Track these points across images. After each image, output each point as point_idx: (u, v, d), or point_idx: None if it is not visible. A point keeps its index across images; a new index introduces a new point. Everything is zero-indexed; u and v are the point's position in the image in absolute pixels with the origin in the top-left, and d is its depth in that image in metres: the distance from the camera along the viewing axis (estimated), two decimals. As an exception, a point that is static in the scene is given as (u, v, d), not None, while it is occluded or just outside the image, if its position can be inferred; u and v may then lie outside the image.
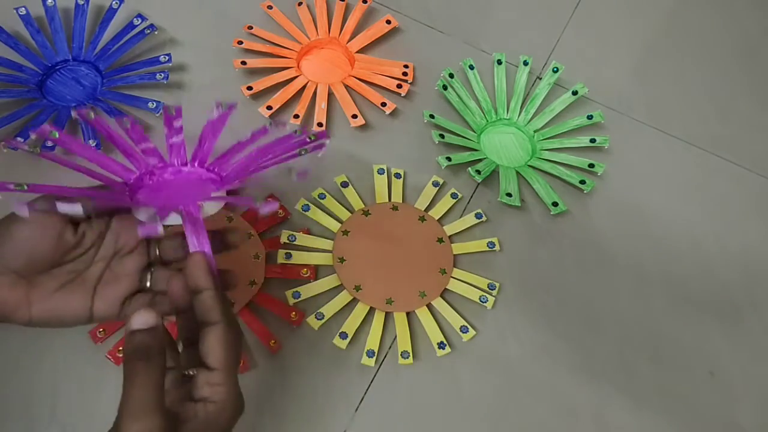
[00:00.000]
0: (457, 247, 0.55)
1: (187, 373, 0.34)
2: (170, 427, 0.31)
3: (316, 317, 0.50)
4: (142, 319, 0.33)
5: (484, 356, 0.51)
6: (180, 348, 0.38)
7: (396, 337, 0.50)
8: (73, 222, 0.38)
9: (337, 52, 0.67)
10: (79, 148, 0.41)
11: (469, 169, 0.58)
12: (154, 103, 0.58)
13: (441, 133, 0.60)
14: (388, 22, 0.68)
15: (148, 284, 0.40)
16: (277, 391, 0.47)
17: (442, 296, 0.52)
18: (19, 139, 0.54)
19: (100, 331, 0.47)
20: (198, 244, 0.37)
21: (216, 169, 0.43)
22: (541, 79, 0.67)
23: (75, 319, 0.38)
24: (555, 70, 0.66)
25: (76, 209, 0.35)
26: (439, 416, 0.48)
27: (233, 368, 0.34)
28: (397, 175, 0.59)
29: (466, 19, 0.72)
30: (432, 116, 0.61)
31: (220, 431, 0.33)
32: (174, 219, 0.37)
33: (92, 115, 0.42)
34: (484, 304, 0.52)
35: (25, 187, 0.36)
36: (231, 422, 0.34)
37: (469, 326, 0.51)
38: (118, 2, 0.63)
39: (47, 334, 0.48)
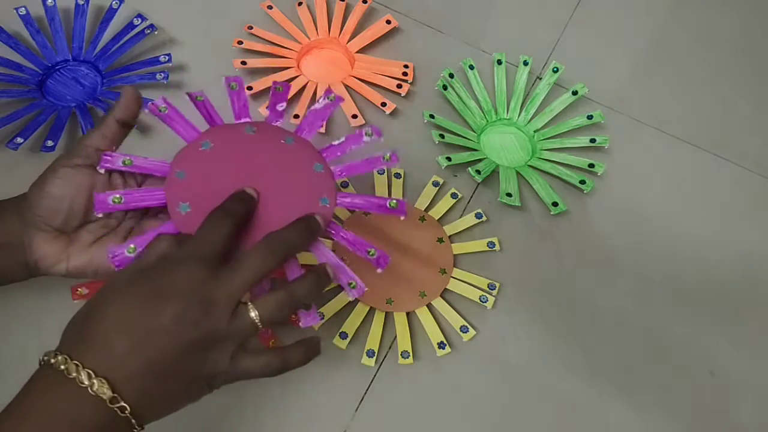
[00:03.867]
0: (457, 247, 0.55)
1: None
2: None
3: (316, 317, 0.50)
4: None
5: (484, 356, 0.51)
6: None
7: (396, 337, 0.50)
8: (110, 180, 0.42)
9: (337, 52, 0.67)
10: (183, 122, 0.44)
11: (469, 169, 0.58)
12: (154, 103, 0.58)
13: (441, 133, 0.60)
14: (388, 22, 0.68)
15: None
16: (278, 391, 0.47)
17: (442, 296, 0.52)
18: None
19: (100, 331, 0.47)
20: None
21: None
22: (541, 79, 0.67)
23: (107, 270, 0.41)
24: (555, 70, 0.66)
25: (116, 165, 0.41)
26: (439, 416, 0.48)
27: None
28: (397, 175, 0.59)
29: (466, 19, 0.72)
30: (432, 116, 0.61)
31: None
32: None
33: (164, 108, 0.44)
34: (484, 304, 0.52)
35: (131, 162, 0.41)
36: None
37: (469, 326, 0.51)
38: (118, 2, 0.63)
39: (48, 335, 0.48)
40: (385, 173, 0.58)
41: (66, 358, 0.32)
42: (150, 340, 0.33)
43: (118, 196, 0.40)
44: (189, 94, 0.45)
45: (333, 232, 0.43)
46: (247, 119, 0.45)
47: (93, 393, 0.31)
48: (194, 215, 0.40)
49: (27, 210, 0.40)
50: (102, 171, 0.41)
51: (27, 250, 0.40)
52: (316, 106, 0.47)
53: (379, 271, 0.43)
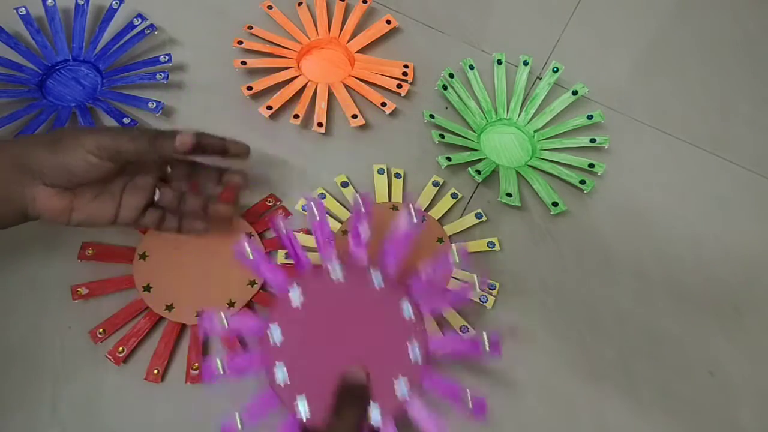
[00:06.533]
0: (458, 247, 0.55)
1: None
2: None
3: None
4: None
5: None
6: None
7: (396, 337, 0.50)
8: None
9: (337, 52, 0.67)
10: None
11: (469, 169, 0.58)
12: (154, 103, 0.58)
13: (441, 133, 0.60)
14: (388, 22, 0.68)
15: (156, 198, 0.48)
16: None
17: (442, 296, 0.52)
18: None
19: (100, 332, 0.47)
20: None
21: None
22: (541, 79, 0.67)
23: (105, 222, 0.46)
24: (555, 70, 0.66)
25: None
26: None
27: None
28: (397, 175, 0.59)
29: (466, 19, 0.72)
30: (432, 116, 0.62)
31: None
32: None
33: (251, 254, 0.43)
34: (484, 304, 0.52)
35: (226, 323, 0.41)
36: None
37: (469, 326, 0.51)
38: (118, 2, 0.63)
39: (48, 334, 0.48)
40: (385, 173, 0.58)
41: None
42: None
43: (220, 367, 0.41)
44: (273, 224, 0.44)
45: (426, 382, 0.41)
46: (332, 255, 0.43)
47: None
48: (293, 385, 0.40)
49: (34, 164, 0.42)
50: (201, 336, 0.45)
51: (30, 203, 0.42)
52: (397, 231, 0.43)
53: (478, 420, 0.41)
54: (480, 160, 0.60)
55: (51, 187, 0.43)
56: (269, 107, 0.60)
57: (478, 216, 0.57)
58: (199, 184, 0.50)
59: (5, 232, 0.49)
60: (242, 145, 0.48)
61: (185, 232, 0.50)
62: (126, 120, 0.57)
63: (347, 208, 0.56)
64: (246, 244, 0.43)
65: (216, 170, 0.50)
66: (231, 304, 0.49)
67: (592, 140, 0.62)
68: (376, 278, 0.42)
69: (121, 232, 0.52)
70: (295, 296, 0.41)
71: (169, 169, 0.49)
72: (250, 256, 0.43)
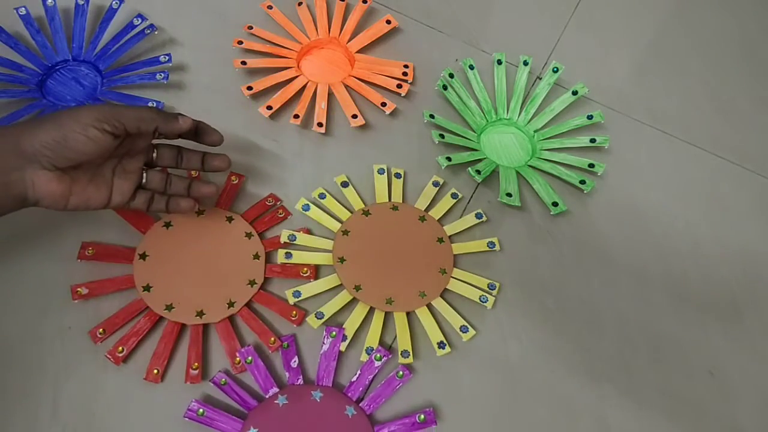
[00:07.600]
0: (457, 247, 0.55)
1: None
2: None
3: (316, 317, 0.50)
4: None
5: (484, 356, 0.51)
6: None
7: (396, 336, 0.50)
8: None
9: (337, 52, 0.67)
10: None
11: (469, 169, 0.58)
12: (154, 104, 0.58)
13: (441, 133, 0.60)
14: (388, 22, 0.68)
15: (143, 181, 0.49)
16: (277, 391, 0.47)
17: (442, 296, 0.52)
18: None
19: (100, 332, 0.47)
20: None
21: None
22: (541, 79, 0.67)
23: (99, 205, 0.47)
24: (555, 70, 0.66)
25: None
26: (438, 416, 0.48)
27: None
28: (397, 175, 0.59)
29: (466, 19, 0.72)
30: (432, 116, 0.62)
31: None
32: None
33: (203, 412, 0.45)
34: (484, 304, 0.52)
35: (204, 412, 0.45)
36: None
37: (469, 326, 0.51)
38: (118, 2, 0.63)
39: (48, 334, 0.48)
40: (385, 173, 0.58)
41: None
42: None
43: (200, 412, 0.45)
44: (213, 381, 0.46)
45: None
46: (275, 389, 0.46)
47: None
48: None
49: (33, 147, 0.42)
50: (186, 419, 0.44)
51: (30, 188, 0.43)
52: (324, 348, 0.48)
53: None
54: (480, 160, 0.60)
55: (50, 171, 0.43)
56: (269, 107, 0.60)
57: (478, 216, 0.57)
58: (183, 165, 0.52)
59: (5, 232, 0.50)
60: (218, 134, 0.51)
61: (172, 211, 0.51)
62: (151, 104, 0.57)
63: (347, 209, 0.56)
64: (195, 403, 0.45)
65: (198, 153, 0.51)
66: (231, 304, 0.49)
67: (592, 140, 0.62)
68: (315, 393, 0.46)
69: (121, 232, 0.52)
70: None
71: (155, 154, 0.50)
72: (203, 414, 0.45)
